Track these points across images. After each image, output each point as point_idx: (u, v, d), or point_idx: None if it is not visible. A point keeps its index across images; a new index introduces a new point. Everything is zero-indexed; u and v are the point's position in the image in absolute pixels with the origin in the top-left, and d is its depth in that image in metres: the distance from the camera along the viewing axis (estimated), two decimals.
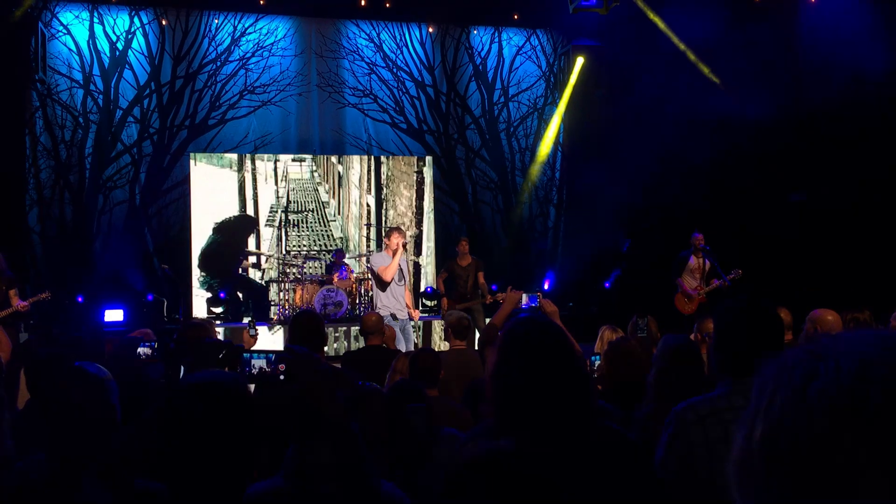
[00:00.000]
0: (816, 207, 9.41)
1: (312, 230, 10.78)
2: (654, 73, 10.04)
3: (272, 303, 10.11)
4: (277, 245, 10.56)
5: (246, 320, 7.17)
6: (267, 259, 10.48)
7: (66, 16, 9.90)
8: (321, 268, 10.22)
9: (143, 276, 9.76)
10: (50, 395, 2.03)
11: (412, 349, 6.87)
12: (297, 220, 10.70)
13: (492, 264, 9.96)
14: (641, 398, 3.25)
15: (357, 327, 7.02)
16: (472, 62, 11.44)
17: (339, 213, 10.94)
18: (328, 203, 10.90)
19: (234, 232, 10.49)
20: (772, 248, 9.36)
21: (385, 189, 11.04)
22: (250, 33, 10.57)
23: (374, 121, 11.06)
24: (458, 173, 11.42)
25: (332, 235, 10.86)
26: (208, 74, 10.44)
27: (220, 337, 6.64)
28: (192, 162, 10.30)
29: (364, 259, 10.25)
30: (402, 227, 9.27)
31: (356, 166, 11.01)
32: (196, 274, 10.26)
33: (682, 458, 2.03)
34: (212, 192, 10.30)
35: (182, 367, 3.35)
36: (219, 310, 9.88)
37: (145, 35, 10.22)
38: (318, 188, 10.85)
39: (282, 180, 10.63)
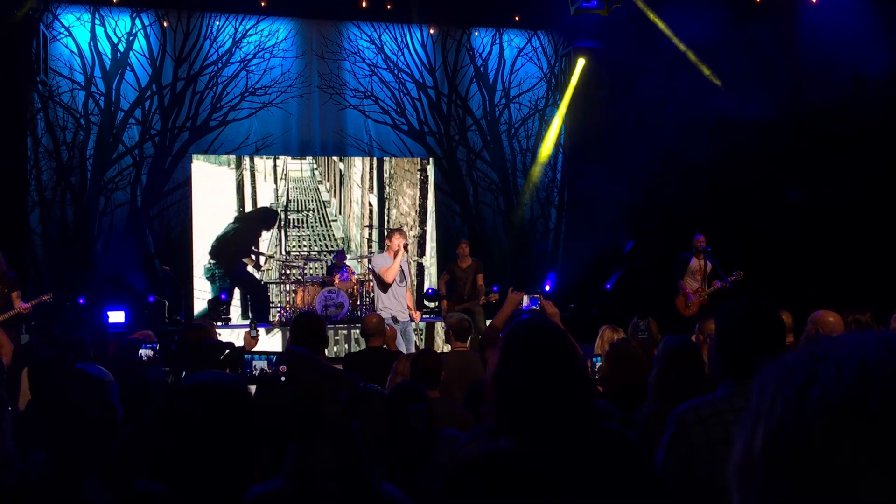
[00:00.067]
0: (817, 207, 9.40)
1: (313, 230, 10.76)
2: (654, 73, 10.05)
3: (272, 304, 10.11)
4: (278, 245, 10.55)
5: (247, 321, 7.17)
6: (267, 260, 10.46)
7: (68, 17, 9.92)
8: (322, 269, 10.22)
9: (145, 278, 9.77)
10: (51, 395, 2.04)
11: (413, 351, 6.87)
12: (298, 220, 10.69)
13: (493, 266, 9.97)
14: (642, 399, 3.24)
15: (358, 329, 7.02)
16: (473, 64, 11.44)
17: (340, 213, 10.92)
18: (329, 202, 10.89)
19: (256, 224, 10.44)
20: (772, 248, 9.35)
21: (388, 188, 11.00)
22: (251, 35, 10.58)
23: (375, 122, 11.06)
24: (459, 175, 11.41)
25: (334, 236, 10.84)
26: (209, 76, 10.45)
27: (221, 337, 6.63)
28: (193, 163, 10.30)
29: (365, 260, 10.25)
30: (405, 228, 9.26)
31: (358, 164, 10.99)
32: (199, 270, 10.19)
33: (682, 459, 2.03)
34: (212, 193, 10.30)
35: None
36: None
37: (146, 37, 10.23)
38: (319, 187, 10.83)
39: (281, 179, 10.62)
